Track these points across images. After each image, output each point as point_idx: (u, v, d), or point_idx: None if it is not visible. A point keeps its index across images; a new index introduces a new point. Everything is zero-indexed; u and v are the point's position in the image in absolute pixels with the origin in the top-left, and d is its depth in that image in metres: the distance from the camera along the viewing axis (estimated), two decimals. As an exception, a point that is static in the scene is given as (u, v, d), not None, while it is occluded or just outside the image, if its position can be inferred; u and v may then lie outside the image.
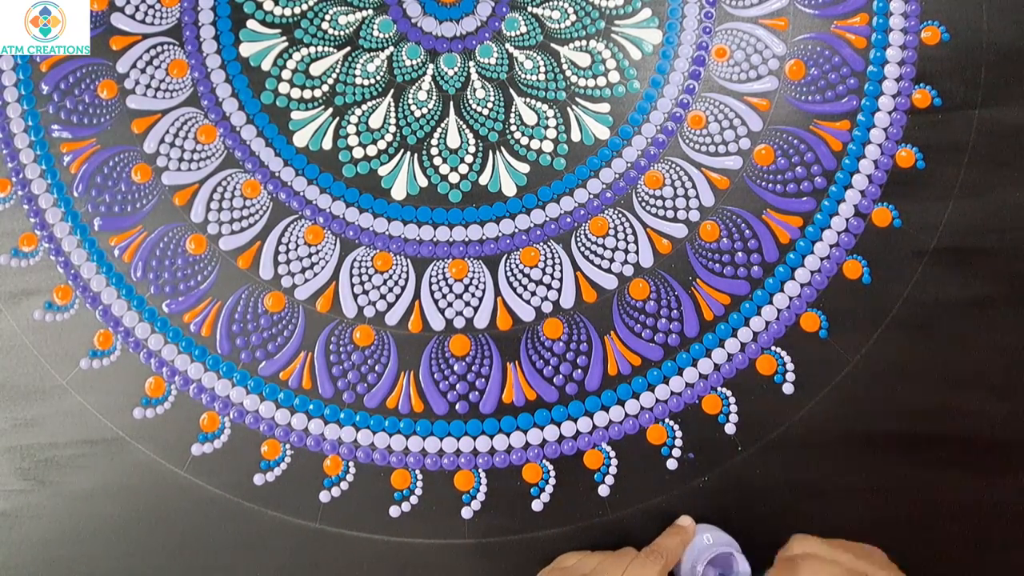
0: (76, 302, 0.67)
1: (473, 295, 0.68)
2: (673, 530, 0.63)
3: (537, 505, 0.65)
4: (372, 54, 0.72)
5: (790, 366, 0.67)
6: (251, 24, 0.71)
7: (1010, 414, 0.67)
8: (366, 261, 0.68)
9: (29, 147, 0.69)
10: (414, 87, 0.71)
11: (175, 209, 0.69)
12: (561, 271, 0.68)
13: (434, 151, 0.70)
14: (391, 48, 0.72)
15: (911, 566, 0.65)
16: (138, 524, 0.65)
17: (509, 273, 0.68)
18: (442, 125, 0.71)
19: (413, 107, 0.71)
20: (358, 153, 0.70)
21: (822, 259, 0.68)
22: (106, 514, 0.65)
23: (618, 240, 0.69)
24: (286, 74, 0.71)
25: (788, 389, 0.66)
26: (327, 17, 0.72)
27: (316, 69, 0.71)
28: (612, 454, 0.66)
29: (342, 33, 0.72)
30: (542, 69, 0.72)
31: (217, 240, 0.68)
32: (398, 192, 0.69)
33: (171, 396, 0.66)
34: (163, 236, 0.68)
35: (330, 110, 0.70)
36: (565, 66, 0.72)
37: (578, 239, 0.69)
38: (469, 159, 0.70)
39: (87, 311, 0.67)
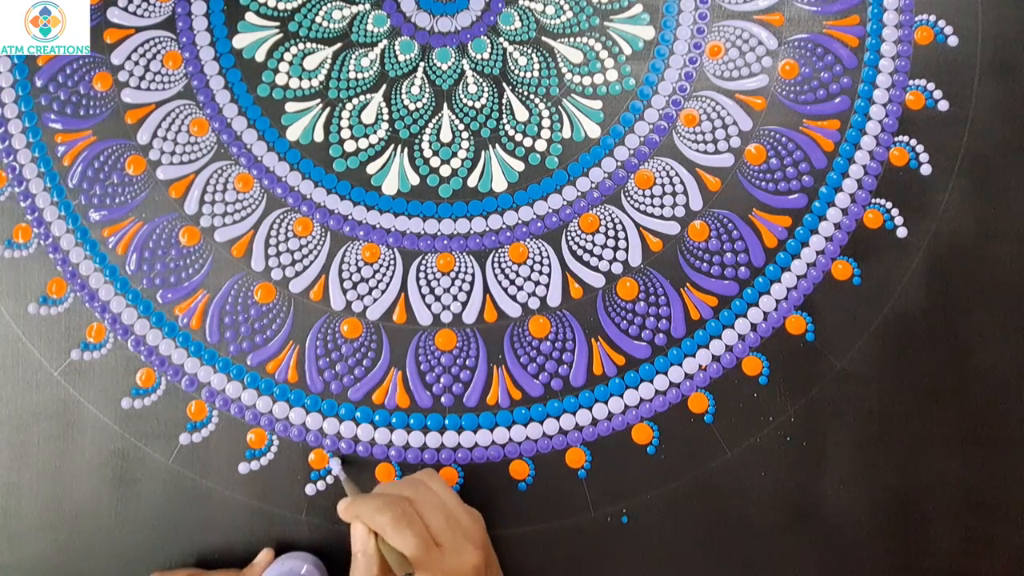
0: (70, 294, 0.68)
1: (461, 289, 0.68)
2: (244, 571, 0.64)
3: (520, 501, 0.66)
4: (365, 48, 0.72)
5: (776, 368, 0.66)
6: (247, 16, 0.72)
7: (1003, 414, 0.66)
8: (356, 254, 0.69)
9: (24, 139, 0.70)
10: (407, 82, 0.71)
11: (169, 201, 0.69)
12: (549, 268, 0.68)
13: (426, 146, 0.70)
14: (384, 43, 0.72)
15: (903, 564, 0.65)
16: (126, 512, 0.66)
17: (497, 269, 0.68)
18: (434, 120, 0.71)
19: (406, 102, 0.71)
20: (350, 147, 0.70)
21: (810, 262, 0.68)
22: (93, 503, 0.66)
23: (608, 238, 0.69)
24: (279, 67, 0.71)
25: (774, 391, 0.66)
26: (321, 11, 0.72)
27: (309, 63, 0.71)
28: (596, 452, 0.66)
29: (336, 27, 0.72)
30: (536, 65, 0.71)
31: (210, 232, 0.69)
32: (389, 187, 0.69)
33: (161, 386, 0.67)
34: (156, 228, 0.69)
35: (323, 104, 0.71)
36: (559, 62, 0.71)
37: (568, 236, 0.69)
38: (461, 154, 0.70)
39: (81, 303, 0.68)
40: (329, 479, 0.66)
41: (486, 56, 0.72)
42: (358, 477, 0.66)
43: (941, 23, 0.70)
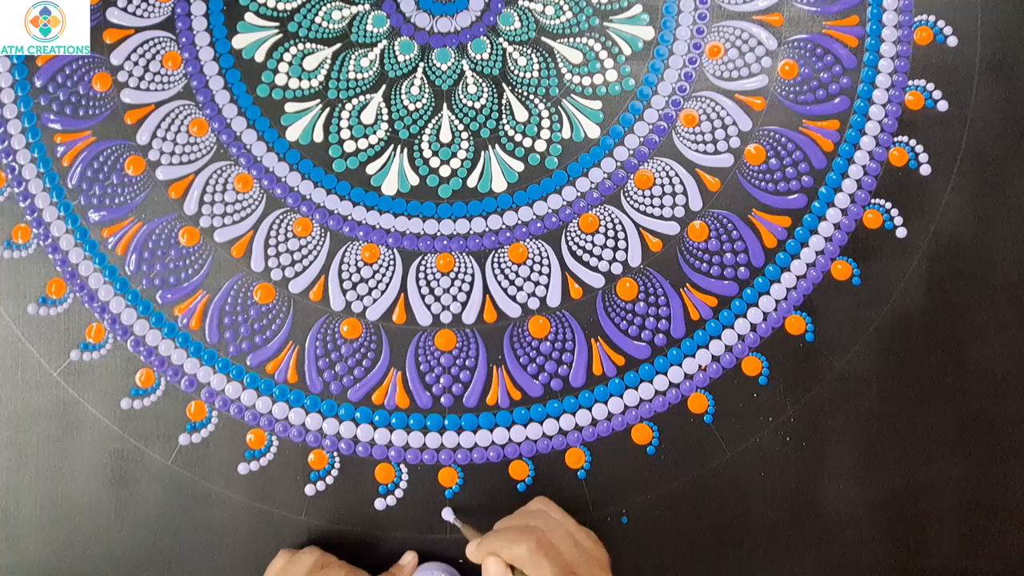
0: (69, 295, 0.68)
1: (460, 290, 0.68)
2: (392, 569, 0.64)
3: (520, 501, 0.65)
4: (365, 49, 0.72)
5: (776, 368, 0.66)
6: (247, 17, 0.72)
7: (1003, 414, 0.66)
8: (355, 254, 0.69)
9: (23, 139, 0.70)
10: (406, 82, 0.71)
11: (168, 201, 0.69)
12: (549, 268, 0.68)
13: (426, 146, 0.70)
14: (384, 43, 0.72)
15: (904, 564, 0.65)
16: (125, 513, 0.66)
17: (497, 269, 0.68)
18: (434, 120, 0.71)
19: (406, 102, 0.71)
20: (350, 147, 0.70)
21: (810, 262, 0.68)
22: (93, 503, 0.66)
23: (608, 238, 0.69)
24: (279, 67, 0.71)
25: (774, 391, 0.66)
26: (321, 11, 0.72)
27: (309, 63, 0.71)
28: (596, 452, 0.66)
29: (335, 27, 0.72)
30: (536, 65, 0.71)
31: (210, 232, 0.69)
32: (389, 188, 0.69)
33: (160, 386, 0.67)
34: (156, 228, 0.69)
35: (322, 104, 0.71)
36: (559, 62, 0.71)
37: (568, 237, 0.69)
38: (461, 154, 0.70)
39: (80, 303, 0.68)
40: (329, 479, 0.66)
41: (486, 56, 0.72)
42: (357, 477, 0.66)
43: (940, 23, 0.70)
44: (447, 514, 0.64)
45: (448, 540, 0.66)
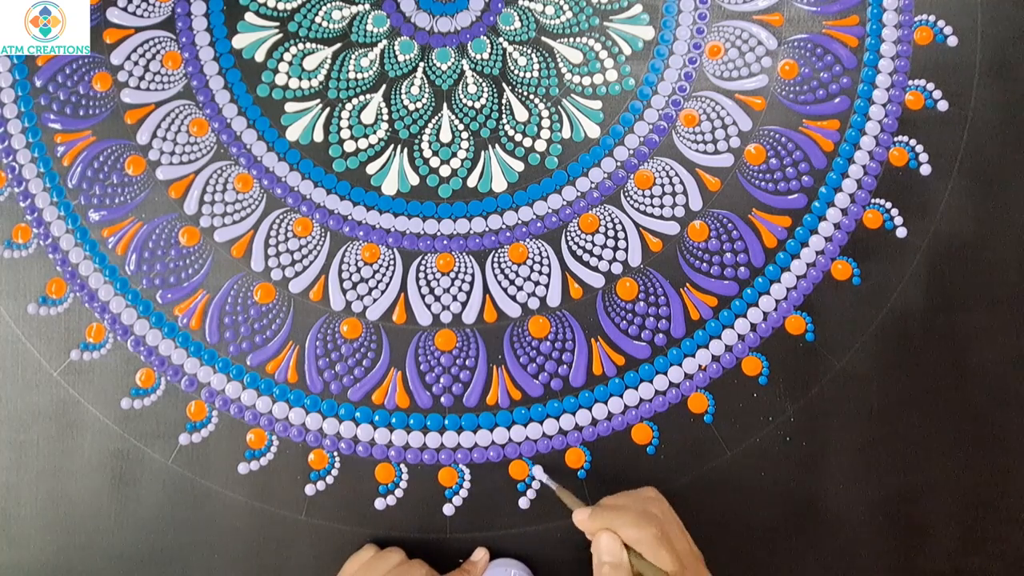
0: (69, 294, 0.68)
1: (460, 290, 0.68)
2: (466, 566, 0.64)
3: (523, 502, 0.66)
4: (365, 49, 0.72)
5: (776, 368, 0.66)
6: (247, 16, 0.72)
7: (1003, 414, 0.66)
8: (355, 254, 0.69)
9: (23, 139, 0.70)
10: (407, 82, 0.71)
11: (168, 201, 0.69)
12: (549, 268, 0.68)
13: (426, 146, 0.70)
14: (384, 43, 0.72)
15: (904, 564, 0.65)
16: (125, 512, 0.66)
17: (497, 269, 0.68)
18: (434, 120, 0.71)
19: (406, 102, 0.71)
20: (350, 147, 0.70)
21: (810, 262, 0.68)
22: (94, 503, 0.66)
23: (608, 238, 0.69)
24: (279, 67, 0.71)
25: (774, 391, 0.66)
26: (321, 11, 0.72)
27: (309, 63, 0.71)
28: (596, 452, 0.66)
29: (335, 27, 0.72)
30: (536, 65, 0.71)
31: (210, 232, 0.69)
32: (389, 188, 0.69)
33: (161, 386, 0.67)
34: (156, 228, 0.69)
35: (322, 104, 0.71)
36: (559, 62, 0.71)
37: (568, 236, 0.69)
38: (461, 154, 0.70)
39: (80, 303, 0.68)
40: (329, 479, 0.66)
41: (486, 56, 0.72)
42: (357, 477, 0.66)
43: (941, 23, 0.70)
44: (539, 472, 0.63)
45: (448, 540, 0.66)
